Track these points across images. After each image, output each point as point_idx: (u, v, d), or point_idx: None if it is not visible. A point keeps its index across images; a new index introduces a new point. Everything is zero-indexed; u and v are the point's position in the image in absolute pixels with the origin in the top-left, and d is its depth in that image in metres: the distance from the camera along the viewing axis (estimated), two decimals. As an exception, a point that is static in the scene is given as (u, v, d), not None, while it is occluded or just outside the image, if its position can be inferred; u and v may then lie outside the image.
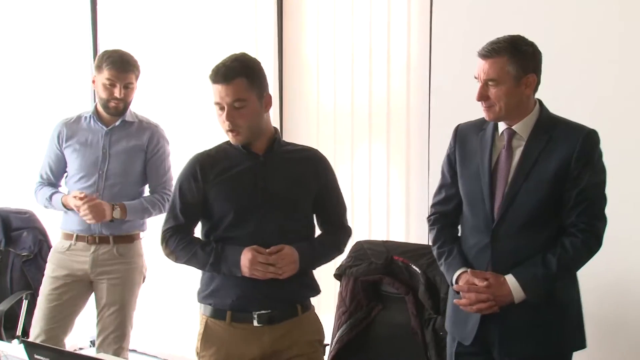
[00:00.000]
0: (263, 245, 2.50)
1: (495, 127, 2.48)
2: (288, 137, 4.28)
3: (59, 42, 4.56)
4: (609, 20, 3.20)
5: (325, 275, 4.01)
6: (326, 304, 4.03)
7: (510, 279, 2.38)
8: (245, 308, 2.54)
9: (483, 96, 2.40)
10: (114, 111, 3.34)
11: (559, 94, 3.27)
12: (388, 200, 3.93)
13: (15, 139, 4.29)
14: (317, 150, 2.74)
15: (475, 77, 2.42)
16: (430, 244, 2.66)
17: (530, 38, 3.29)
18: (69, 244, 3.36)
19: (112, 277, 3.35)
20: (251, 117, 2.51)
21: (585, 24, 3.25)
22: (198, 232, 2.68)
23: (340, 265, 3.14)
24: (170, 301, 4.56)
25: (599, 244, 2.42)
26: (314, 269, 2.66)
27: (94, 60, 4.44)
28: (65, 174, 3.46)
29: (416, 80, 3.81)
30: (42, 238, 3.74)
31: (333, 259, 2.73)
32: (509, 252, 2.42)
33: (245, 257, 2.47)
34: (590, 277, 3.19)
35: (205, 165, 2.59)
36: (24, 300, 3.57)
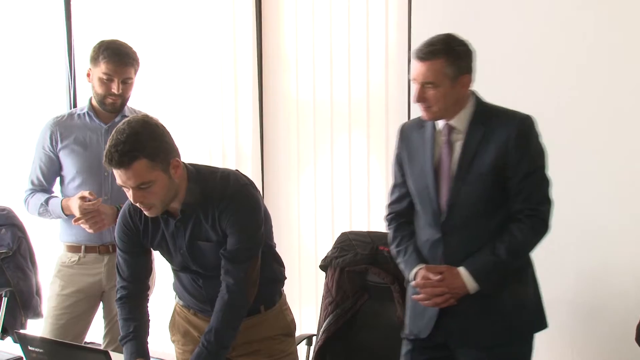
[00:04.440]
0: (205, 287, 2.56)
1: (435, 123, 2.54)
2: (268, 131, 4.30)
3: (32, 38, 4.52)
4: (586, 17, 3.27)
5: (308, 266, 4.07)
6: (308, 295, 4.08)
7: (462, 270, 2.46)
8: (206, 312, 2.59)
9: (421, 98, 2.45)
10: (111, 108, 3.11)
11: (531, 88, 3.36)
12: (368, 191, 3.96)
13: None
14: (229, 192, 2.46)
15: (412, 79, 2.47)
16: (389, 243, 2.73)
17: (508, 32, 3.38)
18: (78, 257, 3.18)
19: None
20: (161, 192, 2.35)
21: (565, 20, 3.31)
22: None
23: (326, 257, 3.16)
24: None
25: (546, 226, 2.50)
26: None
27: (68, 55, 4.44)
28: (59, 178, 3.22)
29: (395, 72, 3.84)
30: (20, 235, 3.67)
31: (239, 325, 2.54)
32: (460, 244, 2.50)
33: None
34: (571, 264, 3.30)
35: (134, 225, 2.55)
36: (4, 298, 3.51)
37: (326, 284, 3.15)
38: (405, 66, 3.73)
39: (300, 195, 4.22)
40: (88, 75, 3.13)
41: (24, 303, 3.61)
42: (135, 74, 3.13)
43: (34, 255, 3.71)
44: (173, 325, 2.75)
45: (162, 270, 2.99)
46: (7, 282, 3.59)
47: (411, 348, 2.65)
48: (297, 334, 2.86)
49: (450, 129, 2.51)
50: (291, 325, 2.76)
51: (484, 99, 2.56)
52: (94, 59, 3.07)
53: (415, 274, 2.55)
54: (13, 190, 3.71)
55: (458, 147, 2.49)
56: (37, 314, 3.65)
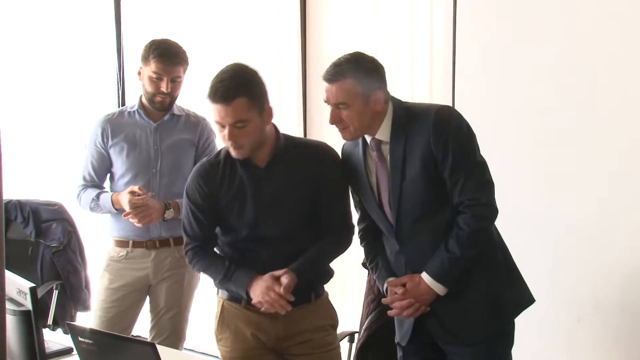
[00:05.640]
0: (271, 254, 2.58)
1: (365, 140, 2.56)
2: (312, 134, 4.32)
3: (83, 37, 4.60)
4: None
5: (350, 263, 4.08)
6: (350, 293, 4.10)
7: (424, 275, 2.49)
8: None
9: (336, 119, 2.47)
10: (160, 106, 3.18)
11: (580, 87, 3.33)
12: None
13: (43, 133, 4.33)
14: (321, 147, 2.71)
15: (325, 101, 2.48)
16: None
17: (553, 33, 3.35)
18: (126, 252, 3.24)
19: (172, 281, 3.24)
20: (253, 134, 2.48)
21: (611, 17, 3.28)
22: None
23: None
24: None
25: (492, 208, 2.49)
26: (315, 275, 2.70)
27: (117, 53, 4.52)
28: (109, 175, 3.30)
29: (439, 74, 3.85)
30: (71, 229, 3.73)
31: (333, 259, 2.76)
32: (418, 250, 2.54)
33: (259, 286, 2.51)
34: (617, 263, 3.26)
35: (210, 178, 2.60)
36: (54, 291, 3.60)
37: (368, 282, 3.16)
38: (450, 68, 3.74)
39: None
40: (139, 73, 3.20)
41: (74, 296, 3.68)
42: (184, 73, 3.19)
43: (84, 250, 3.78)
44: (222, 323, 2.74)
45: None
46: (58, 276, 3.67)
47: (402, 355, 2.69)
48: (339, 330, 2.90)
49: (379, 143, 2.52)
50: (336, 317, 2.83)
51: (402, 102, 2.54)
52: (145, 58, 3.14)
53: (385, 289, 2.61)
54: (64, 185, 3.80)
55: (389, 158, 2.51)
56: (86, 307, 3.72)
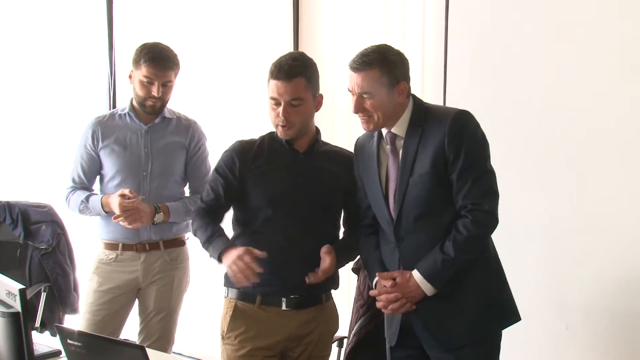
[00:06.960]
0: (290, 242, 2.61)
1: (381, 133, 2.60)
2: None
3: (75, 39, 4.60)
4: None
5: (340, 269, 4.07)
6: (340, 298, 4.05)
7: (415, 273, 2.50)
8: (275, 293, 2.67)
9: (360, 108, 2.51)
10: (151, 110, 3.17)
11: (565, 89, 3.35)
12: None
13: (34, 134, 4.31)
14: (349, 152, 2.83)
15: (349, 90, 2.52)
16: None
17: (544, 36, 3.38)
18: (115, 255, 3.22)
19: (162, 284, 3.24)
20: (305, 115, 2.62)
21: (599, 19, 3.30)
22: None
23: (358, 260, 3.18)
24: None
25: (493, 217, 2.50)
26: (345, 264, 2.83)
27: (109, 55, 4.51)
28: (99, 177, 3.28)
29: (431, 79, 3.86)
30: (60, 232, 3.72)
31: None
32: (414, 248, 2.54)
33: (231, 254, 2.53)
34: (607, 269, 3.28)
35: (246, 154, 2.68)
36: (43, 293, 3.58)
37: (358, 287, 3.17)
38: (442, 71, 3.75)
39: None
40: (130, 77, 3.19)
41: (62, 299, 3.67)
42: (175, 77, 3.18)
43: (73, 252, 3.77)
44: (234, 321, 2.73)
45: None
46: (46, 278, 3.65)
47: (392, 355, 2.70)
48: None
49: (394, 137, 2.56)
50: (338, 323, 2.90)
51: (423, 101, 2.59)
52: (136, 62, 3.13)
53: (375, 284, 2.61)
54: (54, 187, 3.78)
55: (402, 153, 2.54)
56: (74, 309, 3.71)
